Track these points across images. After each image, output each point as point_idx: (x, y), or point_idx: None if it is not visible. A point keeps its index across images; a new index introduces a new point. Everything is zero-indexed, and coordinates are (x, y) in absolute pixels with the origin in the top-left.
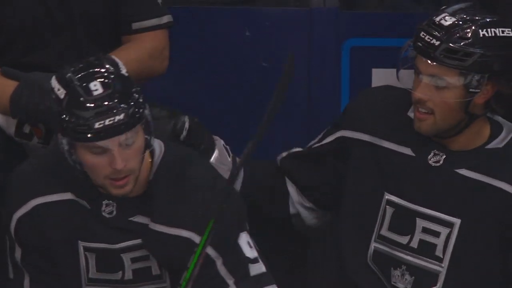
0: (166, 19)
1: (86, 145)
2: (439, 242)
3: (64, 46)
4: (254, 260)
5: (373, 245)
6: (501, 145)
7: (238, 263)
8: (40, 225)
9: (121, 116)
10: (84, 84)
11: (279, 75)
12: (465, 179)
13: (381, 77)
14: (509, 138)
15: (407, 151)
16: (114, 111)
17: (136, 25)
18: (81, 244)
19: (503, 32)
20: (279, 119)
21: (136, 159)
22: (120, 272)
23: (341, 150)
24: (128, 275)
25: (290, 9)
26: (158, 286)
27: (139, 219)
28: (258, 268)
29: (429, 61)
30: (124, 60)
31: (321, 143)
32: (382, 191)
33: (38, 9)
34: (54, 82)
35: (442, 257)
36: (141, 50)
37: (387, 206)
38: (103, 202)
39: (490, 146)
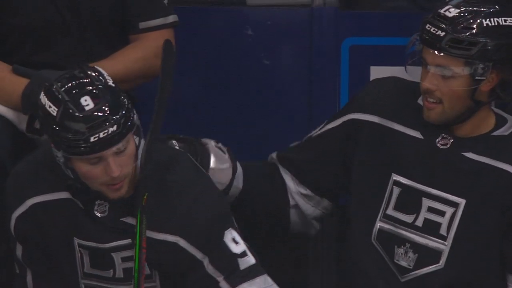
0: (171, 18)
1: (81, 157)
2: (444, 221)
3: (72, 45)
4: (242, 254)
5: (378, 224)
6: (506, 133)
7: (226, 259)
8: (38, 223)
9: (114, 128)
10: (75, 100)
11: (280, 73)
12: (471, 161)
13: (379, 74)
14: None
15: (416, 134)
16: (107, 123)
17: (143, 25)
18: (76, 241)
19: (505, 21)
20: (280, 115)
21: (130, 164)
22: (111, 270)
23: (349, 134)
24: (119, 273)
25: (291, 9)
26: (148, 285)
27: (130, 220)
28: (247, 262)
29: (436, 52)
30: (131, 58)
31: (322, 130)
32: (389, 172)
33: (47, 10)
34: (43, 99)
35: (446, 235)
36: (148, 49)
37: (394, 187)
38: (96, 202)
39: (496, 133)
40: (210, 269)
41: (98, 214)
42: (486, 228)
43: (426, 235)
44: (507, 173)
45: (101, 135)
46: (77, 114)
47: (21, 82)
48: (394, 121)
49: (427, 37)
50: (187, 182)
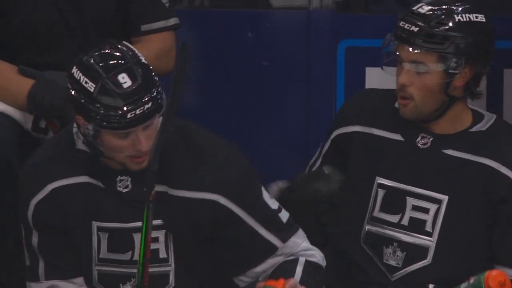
0: (173, 21)
1: (115, 132)
2: (429, 217)
3: (76, 47)
4: (279, 209)
5: (366, 227)
6: (483, 129)
7: (269, 215)
8: (58, 207)
9: (149, 105)
10: (113, 77)
11: (279, 74)
12: (451, 158)
13: (374, 75)
14: (490, 123)
15: (397, 136)
16: (143, 100)
17: (145, 27)
18: (95, 224)
19: (476, 17)
20: (279, 114)
21: (153, 137)
22: (130, 252)
23: (341, 149)
24: (137, 255)
25: (289, 12)
26: (164, 269)
27: (156, 188)
28: (285, 215)
29: (410, 49)
30: None
31: (321, 156)
32: (373, 175)
33: (52, 13)
34: (78, 74)
35: (431, 231)
36: (149, 51)
37: (378, 189)
38: (117, 178)
39: (473, 129)
40: (256, 226)
41: (123, 190)
42: (470, 222)
43: (412, 233)
44: (488, 167)
45: (137, 111)
46: (116, 91)
47: (27, 83)
48: (374, 127)
49: (402, 34)
50: (215, 143)
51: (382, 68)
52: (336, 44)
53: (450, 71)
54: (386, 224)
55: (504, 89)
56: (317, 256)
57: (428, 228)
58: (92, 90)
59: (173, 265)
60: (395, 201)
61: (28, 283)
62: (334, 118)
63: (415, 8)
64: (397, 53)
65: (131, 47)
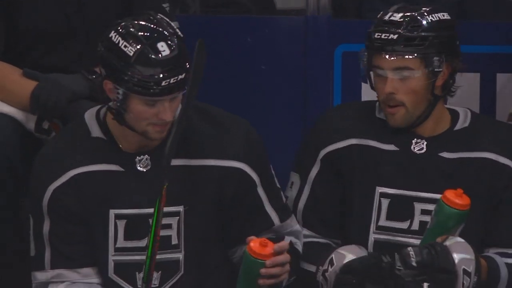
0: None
1: (143, 98)
2: None
3: (80, 50)
4: (280, 188)
5: (373, 236)
6: (467, 124)
7: (276, 193)
8: (77, 194)
9: (183, 75)
10: (152, 44)
11: (277, 77)
12: (449, 161)
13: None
14: (469, 117)
15: (391, 147)
16: (178, 70)
17: None
18: (113, 212)
19: (443, 16)
20: (276, 117)
21: (176, 110)
22: (146, 238)
23: (334, 167)
24: None
25: (287, 17)
26: (174, 255)
27: (172, 162)
28: (283, 195)
29: (393, 56)
30: None
31: (310, 183)
32: (373, 186)
33: (57, 16)
34: (116, 38)
35: None
36: None
37: (381, 199)
38: (136, 159)
39: (457, 127)
40: (264, 199)
41: (144, 169)
42: (480, 216)
43: None
44: (487, 160)
45: (172, 80)
46: (154, 58)
47: (31, 84)
48: (368, 138)
49: (380, 44)
50: (232, 116)
51: (366, 81)
52: (333, 49)
53: (435, 70)
54: (396, 232)
55: (496, 93)
56: (300, 246)
57: None
58: (131, 54)
59: (183, 251)
60: (402, 208)
61: (33, 272)
62: (313, 138)
63: (385, 18)
64: (375, 64)
65: (168, 20)
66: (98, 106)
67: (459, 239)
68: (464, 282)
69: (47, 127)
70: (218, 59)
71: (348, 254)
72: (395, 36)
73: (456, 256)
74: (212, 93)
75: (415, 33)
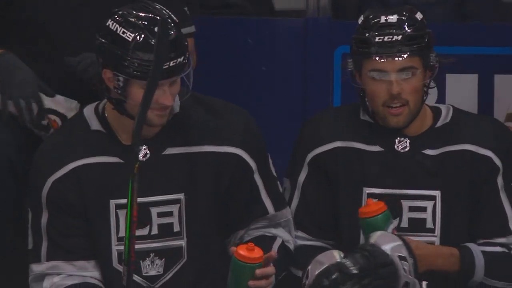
0: (194, 28)
1: (142, 83)
2: (427, 215)
3: (87, 47)
4: (277, 178)
5: (362, 236)
6: (448, 120)
7: (272, 181)
8: (77, 186)
9: (181, 59)
10: (151, 29)
11: (277, 79)
12: (431, 157)
13: None
14: (451, 112)
15: (375, 148)
16: (176, 53)
17: None
18: (113, 203)
19: (421, 13)
20: (276, 118)
21: (175, 96)
22: (148, 226)
23: (321, 169)
24: (154, 229)
25: (287, 19)
26: (177, 243)
27: (171, 151)
28: (279, 185)
29: (399, 57)
30: None
31: (299, 188)
32: (360, 187)
33: (62, 10)
34: (114, 25)
35: (433, 227)
36: None
37: (370, 199)
38: (135, 149)
39: (439, 124)
40: (261, 186)
41: (142, 159)
42: (466, 209)
43: (415, 233)
44: (467, 152)
45: (171, 63)
46: (153, 42)
47: None
48: (353, 140)
49: (385, 47)
50: (228, 103)
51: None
52: (332, 50)
53: (436, 65)
54: None
55: (494, 94)
56: (292, 244)
57: (429, 225)
58: (130, 39)
59: (185, 238)
60: (390, 207)
61: (30, 265)
62: (300, 144)
63: (382, 21)
64: (378, 68)
65: (162, 7)
66: (97, 102)
67: (380, 232)
68: (405, 267)
69: (46, 124)
70: (218, 60)
71: (324, 262)
72: (399, 37)
73: (387, 247)
74: (212, 94)
75: (416, 31)
